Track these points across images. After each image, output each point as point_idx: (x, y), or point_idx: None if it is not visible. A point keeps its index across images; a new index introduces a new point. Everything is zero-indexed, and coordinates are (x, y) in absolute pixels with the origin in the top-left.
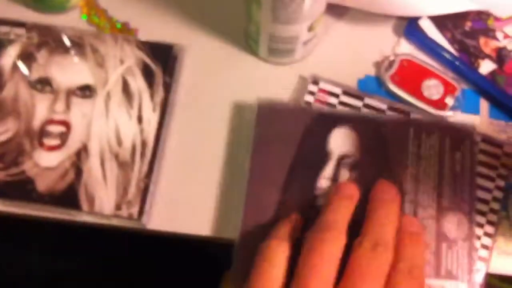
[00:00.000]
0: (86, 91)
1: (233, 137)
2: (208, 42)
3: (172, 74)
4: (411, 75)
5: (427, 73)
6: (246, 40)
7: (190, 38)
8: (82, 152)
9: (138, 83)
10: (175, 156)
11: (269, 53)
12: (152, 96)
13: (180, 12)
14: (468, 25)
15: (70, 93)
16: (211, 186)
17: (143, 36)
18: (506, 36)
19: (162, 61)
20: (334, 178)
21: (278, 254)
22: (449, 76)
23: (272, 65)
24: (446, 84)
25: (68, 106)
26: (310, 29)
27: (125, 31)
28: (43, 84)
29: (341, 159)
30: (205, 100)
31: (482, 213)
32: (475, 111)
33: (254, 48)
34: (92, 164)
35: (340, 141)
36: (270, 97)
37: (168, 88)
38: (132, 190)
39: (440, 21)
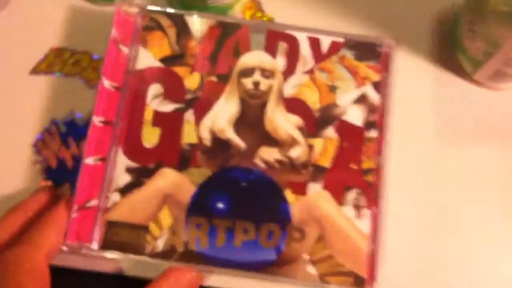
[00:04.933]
0: None
1: None
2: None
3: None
4: None
5: None
6: (457, 56)
7: None
8: None
9: None
10: None
11: (492, 76)
12: None
13: (366, 18)
14: None
15: None
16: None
17: None
18: None
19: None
20: None
21: None
22: None
23: (485, 89)
24: None
25: None
26: None
27: None
28: None
29: None
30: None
31: None
32: None
33: (468, 69)
34: None
35: None
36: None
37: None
38: None
39: None
